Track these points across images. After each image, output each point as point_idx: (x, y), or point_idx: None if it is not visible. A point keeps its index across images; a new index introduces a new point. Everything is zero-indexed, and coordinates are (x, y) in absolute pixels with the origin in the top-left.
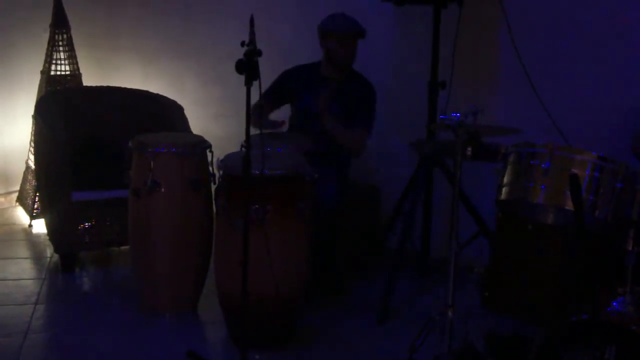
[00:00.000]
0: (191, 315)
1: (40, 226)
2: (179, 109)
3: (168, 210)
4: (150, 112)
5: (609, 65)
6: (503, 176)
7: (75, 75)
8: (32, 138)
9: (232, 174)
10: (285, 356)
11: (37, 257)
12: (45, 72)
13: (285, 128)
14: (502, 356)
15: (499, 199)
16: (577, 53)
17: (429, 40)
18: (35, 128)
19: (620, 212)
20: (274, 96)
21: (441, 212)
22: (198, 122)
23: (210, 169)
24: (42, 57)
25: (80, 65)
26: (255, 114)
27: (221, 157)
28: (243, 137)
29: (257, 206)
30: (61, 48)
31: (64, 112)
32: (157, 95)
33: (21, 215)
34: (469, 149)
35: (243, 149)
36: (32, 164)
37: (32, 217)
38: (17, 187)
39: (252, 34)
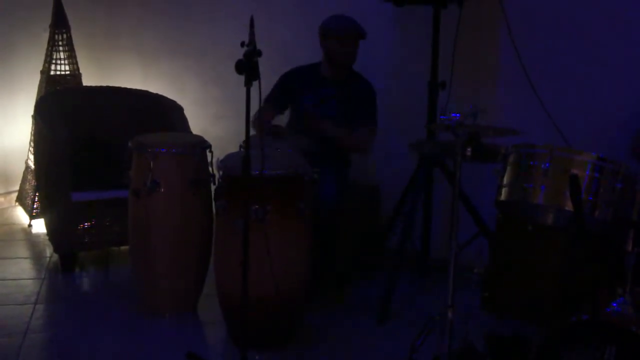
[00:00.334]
0: (191, 316)
1: (39, 226)
2: (179, 109)
3: (168, 210)
4: (150, 112)
5: (609, 66)
6: (503, 177)
7: (75, 75)
8: (32, 138)
9: (232, 174)
10: (286, 356)
11: (36, 257)
12: (45, 72)
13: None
14: (502, 356)
15: (498, 199)
16: (577, 53)
17: (428, 40)
18: (35, 128)
19: (620, 212)
20: (275, 101)
21: (441, 212)
22: (198, 122)
23: (210, 169)
24: (42, 57)
25: (80, 65)
26: (255, 123)
27: (221, 158)
28: (243, 138)
29: (257, 206)
30: (61, 48)
31: (63, 112)
32: (157, 95)
33: (21, 215)
34: (469, 149)
35: (242, 149)
36: (31, 164)
37: (32, 217)
38: (17, 187)
39: (252, 34)
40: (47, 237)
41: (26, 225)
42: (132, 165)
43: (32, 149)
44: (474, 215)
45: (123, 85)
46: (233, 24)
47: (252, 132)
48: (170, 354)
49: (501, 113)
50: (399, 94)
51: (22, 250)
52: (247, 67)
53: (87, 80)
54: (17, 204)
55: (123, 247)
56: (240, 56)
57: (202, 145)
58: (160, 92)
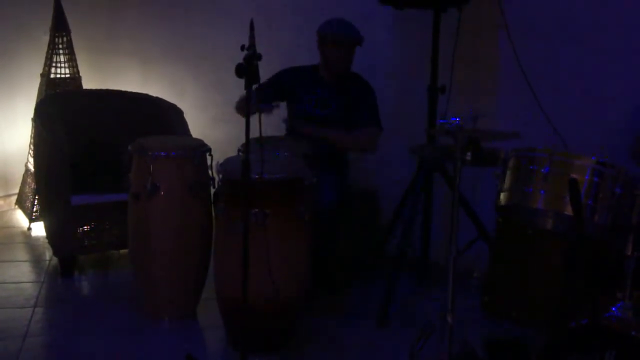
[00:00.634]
0: (190, 319)
1: (39, 229)
2: (179, 112)
3: (167, 213)
4: (150, 115)
5: (609, 69)
6: (502, 181)
7: (75, 78)
8: (32, 141)
9: (232, 177)
10: None
11: (36, 260)
12: (45, 75)
13: (275, 109)
14: None
15: (498, 203)
16: (576, 57)
17: (428, 44)
18: (34, 131)
19: (619, 217)
20: (266, 90)
21: (441, 216)
22: (198, 125)
23: (210, 172)
24: (42, 60)
25: (80, 68)
26: (242, 102)
27: (221, 161)
28: (242, 141)
29: (256, 210)
30: (61, 51)
31: (63, 115)
32: (156, 98)
33: (20, 218)
34: (469, 153)
35: (241, 153)
36: (31, 167)
37: (31, 220)
38: (17, 190)
39: (252, 38)
40: (46, 240)
41: (26, 229)
42: (131, 169)
43: (31, 152)
44: (473, 220)
45: (123, 89)
46: (233, 28)
47: (252, 135)
48: (169, 357)
49: (501, 117)
50: (398, 97)
51: (22, 254)
52: (247, 71)
53: (87, 84)
54: (16, 207)
55: (123, 251)
56: (240, 60)
57: (201, 148)
58: (160, 96)
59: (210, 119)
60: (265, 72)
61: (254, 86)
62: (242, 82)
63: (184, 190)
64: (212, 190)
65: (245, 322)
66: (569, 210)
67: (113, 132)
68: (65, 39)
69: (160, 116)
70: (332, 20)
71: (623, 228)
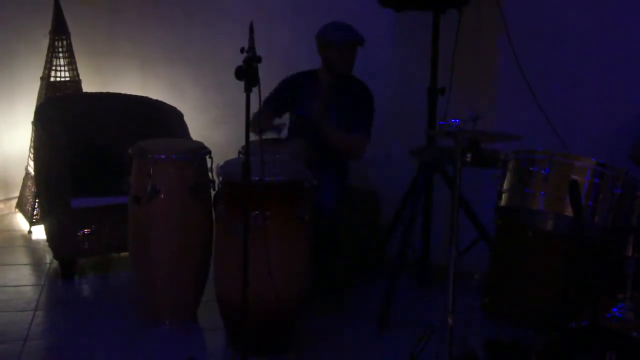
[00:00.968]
0: (191, 322)
1: (39, 232)
2: (179, 115)
3: (168, 216)
4: (150, 118)
5: (609, 72)
6: (502, 182)
7: (75, 81)
8: (32, 144)
9: (232, 180)
10: None
11: (36, 264)
12: (45, 78)
13: (284, 129)
14: None
15: (498, 205)
16: (576, 58)
17: (428, 46)
18: (34, 134)
19: (619, 218)
20: (274, 104)
21: (441, 218)
22: (197, 128)
23: (210, 175)
24: (42, 64)
25: (80, 71)
26: (255, 121)
27: (221, 163)
28: (242, 143)
29: (256, 212)
30: (61, 54)
31: (63, 118)
32: (156, 101)
33: (21, 222)
34: (469, 155)
35: (241, 155)
36: (31, 170)
37: (32, 224)
38: (17, 194)
39: (251, 40)
40: (47, 244)
41: (26, 232)
42: (132, 171)
43: (32, 155)
44: (473, 221)
45: (123, 92)
46: (233, 30)
47: (252, 137)
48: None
49: (501, 118)
50: (398, 99)
51: (22, 257)
52: (247, 73)
53: (87, 87)
54: (17, 210)
55: (123, 253)
56: (240, 62)
57: (201, 151)
58: (160, 98)
59: (210, 121)
60: (265, 74)
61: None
62: (242, 84)
63: (184, 192)
64: (213, 193)
65: (246, 324)
66: (569, 212)
67: (113, 135)
68: (65, 42)
69: (160, 119)
70: (331, 24)
71: (623, 229)
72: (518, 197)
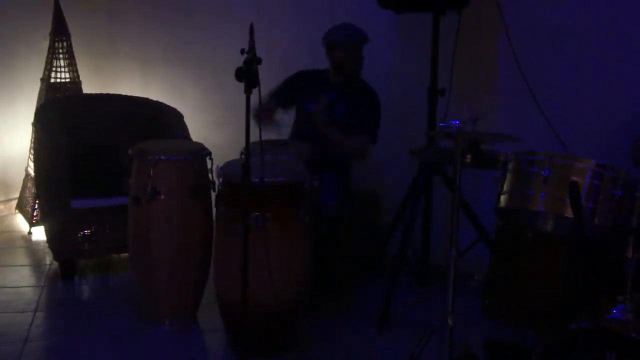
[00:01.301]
0: (191, 323)
1: (39, 233)
2: (179, 116)
3: (168, 217)
4: (150, 119)
5: (609, 72)
6: (502, 183)
7: (75, 82)
8: (32, 145)
9: (232, 181)
10: None
11: (36, 265)
12: (45, 79)
13: (282, 128)
14: None
15: (498, 206)
16: (576, 60)
17: (428, 47)
18: (35, 135)
19: (619, 219)
20: (280, 96)
21: (441, 219)
22: (198, 129)
23: (210, 176)
24: (42, 65)
25: (80, 72)
26: (256, 108)
27: (221, 165)
28: (243, 145)
29: (256, 213)
30: (61, 56)
31: (63, 119)
32: (156, 102)
33: (21, 223)
34: (469, 156)
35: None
36: (31, 172)
37: (32, 225)
38: (17, 195)
39: (251, 41)
40: (47, 245)
41: (26, 233)
42: (132, 173)
43: (32, 157)
44: (473, 222)
45: (123, 93)
46: (233, 32)
47: (252, 139)
48: None
49: (501, 120)
50: (398, 100)
51: (22, 258)
52: (247, 75)
53: (87, 88)
54: (17, 211)
55: (123, 255)
56: (240, 63)
57: (202, 152)
58: (160, 100)
59: (210, 122)
60: (265, 75)
61: (270, 92)
62: (242, 85)
63: (184, 194)
64: (213, 194)
65: (246, 325)
66: (569, 213)
67: (113, 136)
68: (65, 43)
69: (161, 120)
70: (336, 26)
71: (623, 230)
72: (518, 198)
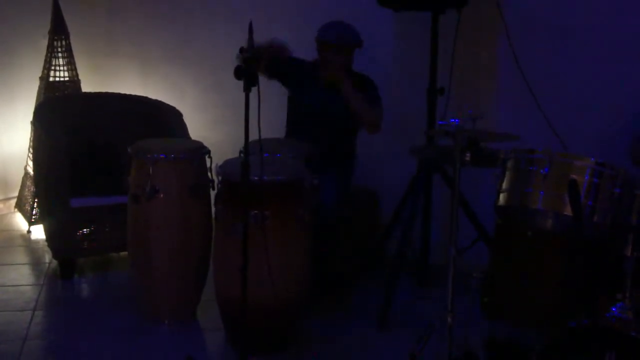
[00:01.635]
0: (190, 321)
1: (38, 232)
2: (178, 115)
3: (167, 216)
4: (149, 118)
5: (608, 71)
6: (502, 182)
7: (74, 81)
8: (31, 144)
9: (231, 179)
10: None
11: (35, 263)
12: (44, 78)
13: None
14: None
15: (497, 204)
16: (575, 58)
17: (427, 45)
18: (34, 134)
19: (619, 217)
20: (274, 64)
21: (440, 217)
22: (197, 128)
23: (209, 175)
24: (41, 64)
25: (79, 71)
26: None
27: (220, 163)
28: (242, 143)
29: (255, 212)
30: (60, 54)
31: (62, 118)
32: (156, 101)
33: (20, 221)
34: (468, 154)
35: (242, 154)
36: (30, 170)
37: (31, 223)
38: (16, 193)
39: (251, 40)
40: (46, 243)
41: (25, 232)
42: (131, 171)
43: (31, 155)
44: (473, 221)
45: (122, 92)
46: (233, 29)
47: (252, 137)
48: (169, 359)
49: (500, 118)
50: (398, 99)
51: (21, 257)
52: (246, 73)
53: (86, 87)
54: (16, 210)
55: (122, 253)
56: (239, 62)
57: (201, 150)
58: (160, 98)
59: (209, 121)
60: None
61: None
62: (241, 84)
63: (183, 192)
64: (212, 193)
65: (245, 323)
66: (568, 211)
67: (112, 135)
68: (64, 42)
69: (160, 118)
70: (330, 24)
71: (622, 228)
72: (517, 197)
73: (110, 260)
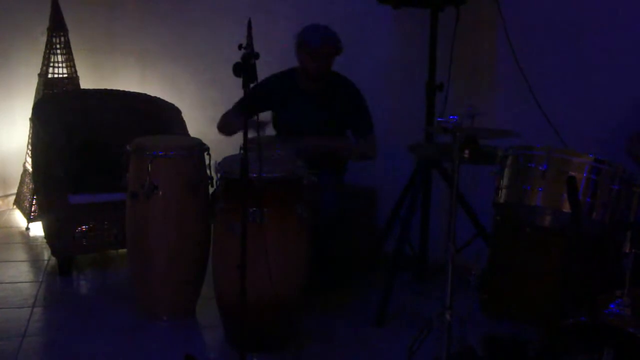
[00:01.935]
0: (189, 319)
1: (37, 229)
2: (177, 111)
3: (166, 213)
4: (148, 115)
5: (607, 67)
6: (500, 179)
7: (73, 78)
8: (30, 141)
9: (230, 176)
10: (283, 359)
11: (34, 260)
12: (42, 75)
13: (268, 126)
14: (500, 359)
15: (496, 201)
16: (574, 55)
17: (426, 42)
18: (32, 131)
19: (617, 214)
20: (248, 105)
21: (439, 214)
22: (196, 124)
23: (208, 171)
24: (40, 60)
25: (77, 68)
26: (226, 123)
27: (219, 160)
28: (240, 140)
29: (254, 209)
30: (59, 51)
31: (61, 115)
32: (154, 98)
33: (18, 218)
34: (467, 151)
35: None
36: (29, 167)
37: (30, 220)
38: (15, 190)
39: (249, 37)
40: (44, 240)
41: (24, 229)
42: (130, 168)
43: (29, 152)
44: (471, 217)
45: (121, 88)
46: (231, 27)
47: (250, 135)
48: (168, 356)
49: (499, 115)
50: (396, 96)
51: (20, 254)
52: (245, 70)
53: (85, 84)
54: (14, 207)
55: (121, 250)
56: (238, 59)
57: (200, 147)
58: (158, 95)
59: (208, 118)
60: (263, 70)
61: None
62: (240, 81)
63: (182, 189)
64: (211, 190)
65: (244, 320)
66: (567, 208)
67: (111, 132)
68: (62, 38)
69: (159, 115)
70: (312, 27)
71: (621, 225)
72: (516, 194)
73: (109, 258)
